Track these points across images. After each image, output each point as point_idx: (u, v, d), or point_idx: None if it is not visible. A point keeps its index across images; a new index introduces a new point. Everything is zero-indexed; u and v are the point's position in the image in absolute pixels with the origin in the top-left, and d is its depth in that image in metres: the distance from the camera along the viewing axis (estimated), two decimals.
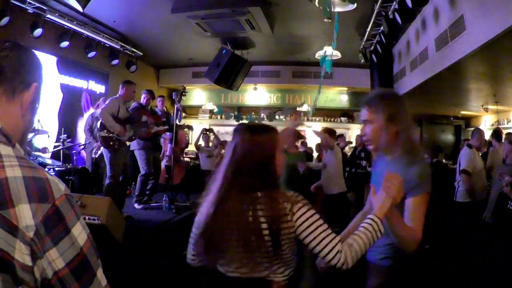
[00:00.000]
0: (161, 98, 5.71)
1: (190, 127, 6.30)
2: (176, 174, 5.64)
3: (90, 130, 5.59)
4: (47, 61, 5.84)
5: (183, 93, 5.21)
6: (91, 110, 6.33)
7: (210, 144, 7.50)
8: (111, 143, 4.19)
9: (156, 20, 6.17)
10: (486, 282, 3.11)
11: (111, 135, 4.18)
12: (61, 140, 5.37)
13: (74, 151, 5.50)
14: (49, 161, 4.97)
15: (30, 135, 4.55)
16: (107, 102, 4.34)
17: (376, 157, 1.65)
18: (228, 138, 8.72)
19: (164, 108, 5.71)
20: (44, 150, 5.08)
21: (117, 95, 4.44)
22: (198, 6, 5.53)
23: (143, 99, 5.13)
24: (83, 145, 5.53)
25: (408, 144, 1.41)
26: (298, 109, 9.53)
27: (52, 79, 5.99)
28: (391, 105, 1.44)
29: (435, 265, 3.67)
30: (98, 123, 4.30)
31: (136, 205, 4.94)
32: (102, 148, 4.72)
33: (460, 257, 3.70)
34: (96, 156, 5.35)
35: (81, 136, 6.20)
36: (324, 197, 4.21)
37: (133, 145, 5.05)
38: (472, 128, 9.77)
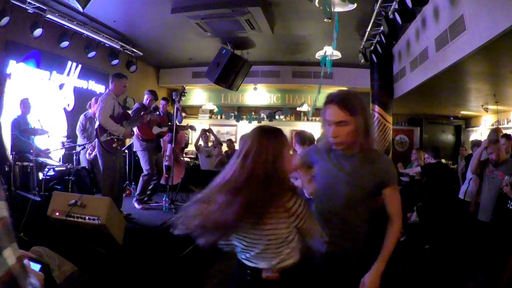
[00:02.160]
0: (164, 101, 5.67)
1: (192, 128, 6.30)
2: (176, 174, 5.64)
3: (83, 131, 5.51)
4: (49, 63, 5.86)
5: (183, 93, 5.21)
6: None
7: (210, 144, 7.51)
8: (114, 145, 4.15)
9: (156, 20, 6.17)
10: (485, 281, 3.11)
11: (112, 137, 4.14)
12: (61, 141, 5.38)
13: (74, 152, 5.49)
14: (49, 161, 4.98)
15: (32, 136, 4.56)
16: (100, 103, 4.15)
17: (325, 151, 1.62)
18: (228, 138, 8.76)
19: (166, 110, 5.69)
20: (46, 151, 5.07)
21: (108, 90, 4.34)
22: (198, 6, 5.53)
23: (145, 99, 5.11)
24: (83, 145, 5.52)
25: (369, 141, 1.50)
26: (298, 109, 9.54)
27: (56, 80, 6.02)
28: (365, 106, 1.50)
29: (435, 265, 3.68)
30: (96, 124, 4.22)
31: (136, 205, 4.93)
32: (96, 150, 4.70)
33: (460, 257, 3.70)
34: (91, 157, 5.29)
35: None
36: None
37: (136, 146, 5.04)
38: (472, 128, 9.82)
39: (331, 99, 1.51)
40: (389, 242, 1.53)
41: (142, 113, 4.69)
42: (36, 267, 1.22)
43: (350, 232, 1.55)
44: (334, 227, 1.51)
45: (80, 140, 5.58)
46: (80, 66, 6.59)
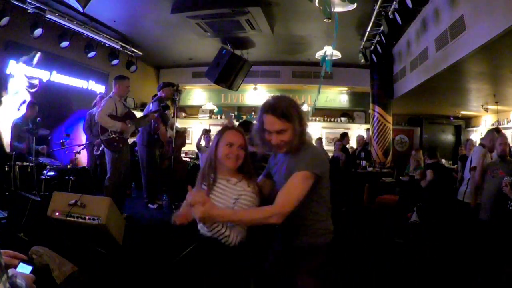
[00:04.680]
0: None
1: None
2: (176, 174, 5.65)
3: (89, 128, 5.57)
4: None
5: (178, 90, 5.17)
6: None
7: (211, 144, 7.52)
8: (115, 143, 4.19)
9: (156, 20, 6.16)
10: (485, 282, 3.11)
11: (113, 136, 4.17)
12: (61, 140, 5.38)
13: (74, 151, 5.49)
14: (49, 161, 4.97)
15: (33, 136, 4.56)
16: (102, 103, 4.28)
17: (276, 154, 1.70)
18: None
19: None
20: (43, 149, 5.07)
21: (111, 93, 4.40)
22: (198, 6, 5.53)
23: (161, 93, 5.03)
24: (83, 145, 5.52)
25: (303, 140, 1.59)
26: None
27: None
28: (297, 111, 1.57)
29: (435, 264, 3.67)
30: (99, 126, 4.27)
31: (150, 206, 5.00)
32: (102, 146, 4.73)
33: (459, 257, 3.70)
34: (98, 153, 5.33)
35: (82, 136, 6.19)
36: None
37: (142, 141, 5.04)
38: (472, 128, 9.82)
39: (267, 109, 1.58)
40: (252, 210, 1.55)
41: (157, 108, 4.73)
42: (27, 269, 1.22)
43: (301, 226, 1.59)
44: (286, 222, 1.52)
45: (87, 138, 5.67)
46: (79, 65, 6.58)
